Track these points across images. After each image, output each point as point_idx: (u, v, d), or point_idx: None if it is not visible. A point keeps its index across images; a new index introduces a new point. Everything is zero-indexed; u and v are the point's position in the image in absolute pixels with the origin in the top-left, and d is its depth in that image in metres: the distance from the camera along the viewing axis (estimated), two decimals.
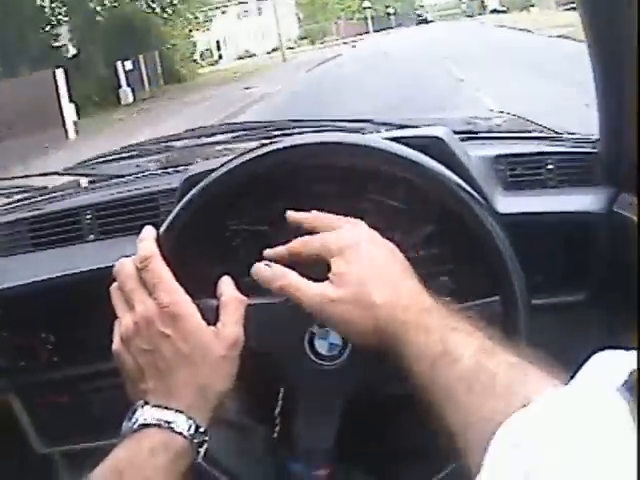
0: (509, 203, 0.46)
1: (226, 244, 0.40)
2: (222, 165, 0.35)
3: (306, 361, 0.32)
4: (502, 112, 0.82)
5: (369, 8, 24.27)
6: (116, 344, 0.29)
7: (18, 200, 0.67)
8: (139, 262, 0.30)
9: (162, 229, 0.33)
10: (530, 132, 0.61)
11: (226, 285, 0.31)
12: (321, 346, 0.33)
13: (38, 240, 0.58)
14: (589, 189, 0.48)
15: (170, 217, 0.34)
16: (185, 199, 0.34)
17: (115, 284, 0.30)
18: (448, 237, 0.40)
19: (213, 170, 0.35)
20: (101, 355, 0.40)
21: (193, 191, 0.34)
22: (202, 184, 0.34)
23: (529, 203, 0.48)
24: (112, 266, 0.31)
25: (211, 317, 0.29)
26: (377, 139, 0.36)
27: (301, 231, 0.29)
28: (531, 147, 0.54)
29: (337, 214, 0.32)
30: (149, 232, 0.32)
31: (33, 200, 0.65)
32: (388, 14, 25.75)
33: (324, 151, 0.36)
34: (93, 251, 0.56)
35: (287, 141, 0.35)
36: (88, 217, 0.58)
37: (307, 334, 0.33)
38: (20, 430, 0.54)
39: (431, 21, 42.13)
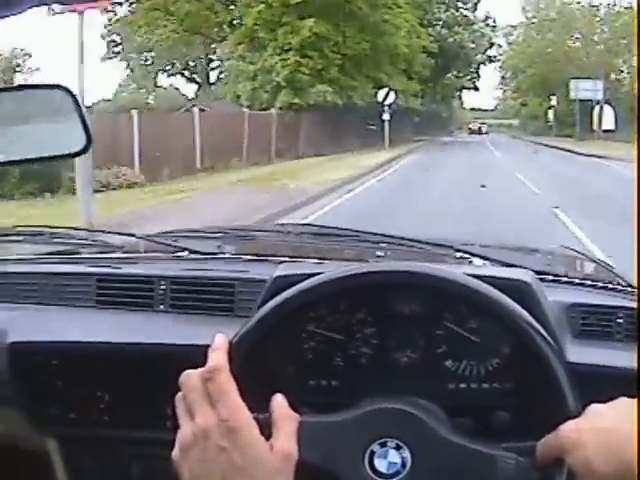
0: (577, 352, 0.97)
1: (299, 345, 0.90)
2: (311, 274, 0.83)
3: (365, 478, 0.74)
4: (583, 254, 1.69)
5: (329, 90, 25.08)
6: (175, 452, 0.67)
7: (88, 252, 1.36)
8: (207, 372, 0.68)
9: (242, 332, 0.80)
10: (606, 282, 1.24)
11: (278, 402, 0.71)
12: (381, 464, 0.74)
13: (104, 298, 1.19)
14: None
15: (253, 322, 0.81)
16: (268, 310, 0.81)
17: (180, 394, 0.69)
18: (513, 374, 0.87)
19: (306, 275, 0.84)
20: (150, 423, 1.00)
21: (279, 301, 0.81)
22: (292, 294, 0.81)
23: (596, 354, 1.00)
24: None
25: (269, 432, 0.67)
26: (464, 276, 0.82)
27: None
28: (605, 298, 1.14)
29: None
30: (222, 342, 0.72)
31: (104, 257, 1.30)
32: (382, 106, 26.75)
33: (410, 279, 0.83)
34: (161, 323, 1.15)
35: (379, 266, 0.89)
36: (162, 288, 1.17)
37: (367, 452, 0.74)
38: (51, 475, 1.10)
39: (485, 133, 54.99)
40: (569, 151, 28.08)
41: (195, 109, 19.19)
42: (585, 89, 35.23)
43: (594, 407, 0.70)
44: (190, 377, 0.71)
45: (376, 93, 26.77)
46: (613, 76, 37.50)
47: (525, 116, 60.00)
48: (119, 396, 1.10)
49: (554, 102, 44.07)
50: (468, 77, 52.95)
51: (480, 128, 64.46)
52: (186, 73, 39.84)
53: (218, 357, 0.71)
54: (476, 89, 57.11)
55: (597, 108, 34.98)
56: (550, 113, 45.11)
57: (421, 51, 32.48)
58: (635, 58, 31.99)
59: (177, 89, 44.13)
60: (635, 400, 0.68)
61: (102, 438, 1.13)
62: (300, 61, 24.48)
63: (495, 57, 53.15)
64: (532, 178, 14.47)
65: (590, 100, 35.22)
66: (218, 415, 0.67)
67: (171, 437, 0.71)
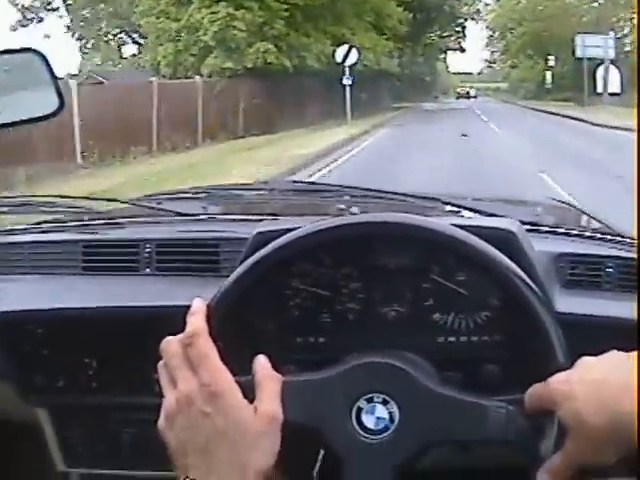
0: (566, 302, 1.14)
1: (284, 302, 1.04)
2: (293, 229, 0.97)
3: (353, 435, 0.87)
4: (571, 206, 2.05)
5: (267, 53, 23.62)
6: (161, 421, 0.82)
7: (73, 220, 1.59)
8: (186, 338, 0.83)
9: (219, 294, 0.94)
10: (592, 231, 1.51)
11: (260, 363, 0.86)
12: (368, 420, 0.87)
13: (90, 264, 1.41)
14: None
15: (229, 282, 0.95)
16: (244, 269, 0.95)
17: (161, 362, 0.85)
18: (502, 327, 1.02)
19: (286, 230, 0.97)
20: (138, 388, 1.22)
21: (254, 259, 0.95)
22: (267, 251, 0.95)
23: (585, 304, 1.18)
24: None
25: (253, 394, 0.83)
26: (449, 227, 0.95)
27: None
28: (593, 247, 1.35)
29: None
30: (200, 305, 0.87)
31: (90, 223, 1.55)
32: (343, 68, 24.88)
33: (395, 230, 0.97)
34: (147, 286, 1.38)
35: (362, 217, 1.03)
36: (147, 250, 1.39)
37: (354, 409, 0.87)
38: (43, 445, 1.32)
39: (474, 97, 57.03)
40: (581, 120, 27.07)
41: (72, 82, 16.39)
42: (594, 45, 34.76)
43: (584, 359, 0.83)
44: (170, 344, 0.85)
45: (334, 52, 25.48)
46: (614, 33, 37.94)
47: (515, 79, 63.23)
48: (107, 362, 1.29)
49: (552, 63, 45.00)
50: (453, 37, 54.59)
51: (468, 92, 76.80)
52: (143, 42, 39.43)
53: (196, 321, 0.85)
54: (462, 50, 59.22)
55: (601, 69, 35.05)
56: (548, 75, 46.08)
57: (395, 1, 31.53)
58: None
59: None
60: (626, 354, 0.80)
61: (91, 405, 1.31)
62: (234, 14, 23.11)
63: (482, 13, 54.56)
64: (575, 190, 9.26)
65: (593, 59, 35.26)
66: (199, 380, 0.81)
67: (161, 402, 0.85)
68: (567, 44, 39.74)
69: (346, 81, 24.46)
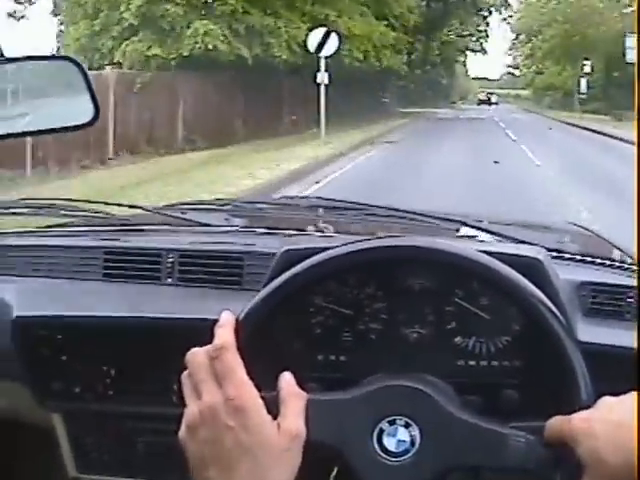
0: (587, 331, 1.42)
1: (307, 320, 1.30)
2: (321, 248, 1.21)
3: (373, 457, 1.08)
4: (592, 232, 2.51)
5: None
6: (182, 431, 1.00)
7: (95, 225, 1.95)
8: (213, 351, 1.00)
9: (249, 308, 1.16)
10: (615, 260, 1.93)
11: (285, 380, 1.05)
12: (390, 443, 1.08)
13: (111, 271, 1.74)
14: None
15: (259, 298, 1.17)
16: (275, 286, 1.17)
17: (186, 372, 1.03)
18: (523, 352, 1.28)
19: (316, 249, 1.21)
20: (156, 398, 1.57)
21: (286, 277, 1.18)
22: (299, 269, 1.18)
23: (606, 334, 1.48)
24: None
25: (277, 410, 1.01)
26: (476, 253, 1.19)
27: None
28: (615, 277, 1.70)
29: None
30: (228, 318, 1.06)
31: (112, 229, 1.91)
32: (317, 59, 22.02)
33: (422, 254, 1.21)
34: (169, 297, 1.71)
35: (391, 240, 1.24)
36: (170, 260, 1.72)
37: (376, 431, 1.09)
38: (56, 450, 1.63)
39: (495, 103, 71.53)
40: None
41: None
42: None
43: (605, 399, 1.01)
44: (196, 355, 1.01)
45: (306, 36, 22.75)
46: None
47: (540, 86, 66.35)
48: (125, 371, 1.55)
49: (588, 69, 46.30)
50: (474, 37, 57.03)
51: (490, 98, 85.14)
52: None
53: (224, 334, 1.02)
54: (484, 52, 61.61)
55: None
56: (582, 82, 47.06)
57: None
58: None
59: None
60: None
61: (107, 412, 1.58)
62: None
63: (506, 12, 56.40)
64: None
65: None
66: (224, 393, 0.97)
67: (178, 412, 1.01)
68: (600, 49, 41.47)
69: (320, 78, 21.62)
